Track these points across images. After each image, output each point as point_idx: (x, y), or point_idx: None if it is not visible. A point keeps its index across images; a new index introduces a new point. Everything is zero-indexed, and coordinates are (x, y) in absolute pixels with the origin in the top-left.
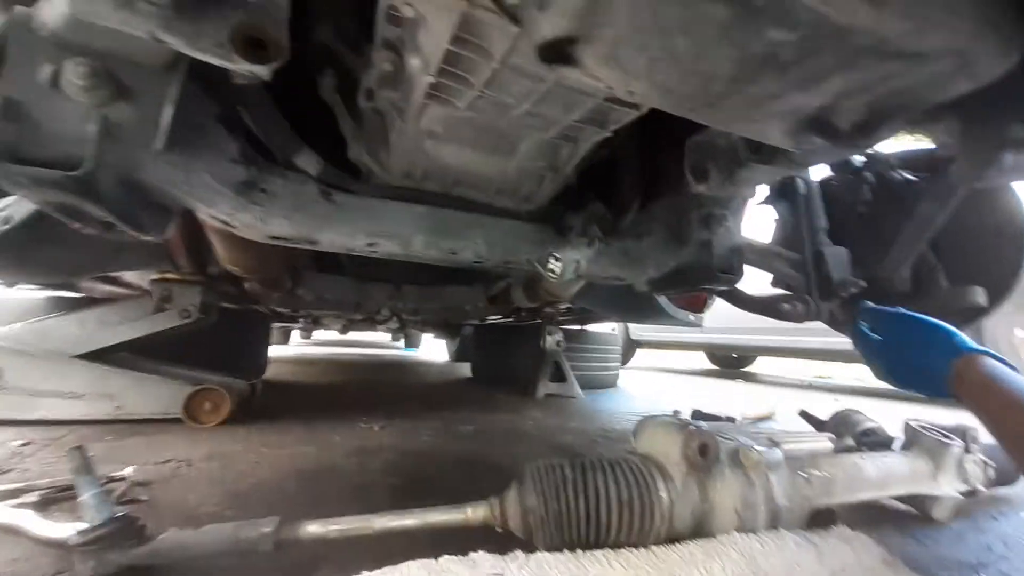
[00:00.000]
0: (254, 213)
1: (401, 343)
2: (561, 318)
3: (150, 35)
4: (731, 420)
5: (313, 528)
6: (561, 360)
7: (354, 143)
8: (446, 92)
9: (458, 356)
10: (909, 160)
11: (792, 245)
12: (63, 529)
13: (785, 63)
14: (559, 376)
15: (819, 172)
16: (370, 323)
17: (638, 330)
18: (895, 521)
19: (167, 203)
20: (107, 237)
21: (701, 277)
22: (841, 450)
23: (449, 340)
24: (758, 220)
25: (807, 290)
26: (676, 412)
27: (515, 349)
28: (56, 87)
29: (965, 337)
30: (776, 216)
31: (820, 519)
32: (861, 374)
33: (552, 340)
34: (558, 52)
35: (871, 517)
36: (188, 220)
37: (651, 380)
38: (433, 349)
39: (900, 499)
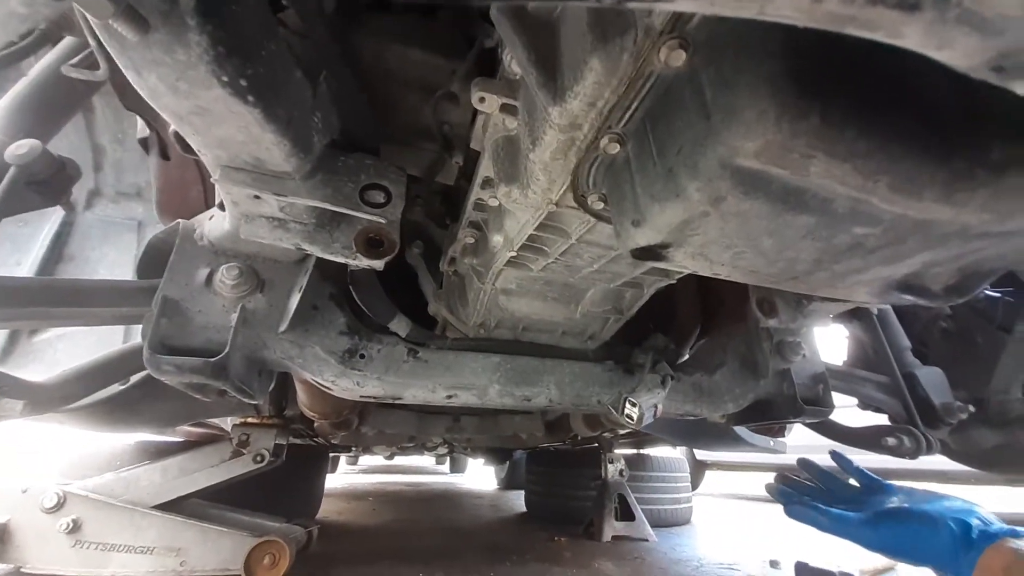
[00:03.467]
0: (352, 378)
1: (446, 467)
2: (620, 442)
3: (296, 246)
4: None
5: None
6: (627, 493)
7: (434, 300)
8: (523, 260)
9: (508, 483)
10: None
11: (872, 366)
12: None
13: (870, 248)
14: (626, 514)
15: None
16: (419, 449)
17: (704, 451)
18: None
19: (274, 371)
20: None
21: (785, 410)
22: None
23: (497, 466)
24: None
25: (908, 419)
26: (774, 564)
27: (572, 479)
28: (209, 286)
29: (989, 517)
30: (849, 336)
31: None
32: (993, 494)
33: (614, 470)
34: (648, 253)
35: None
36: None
37: (727, 511)
38: (479, 474)
39: None
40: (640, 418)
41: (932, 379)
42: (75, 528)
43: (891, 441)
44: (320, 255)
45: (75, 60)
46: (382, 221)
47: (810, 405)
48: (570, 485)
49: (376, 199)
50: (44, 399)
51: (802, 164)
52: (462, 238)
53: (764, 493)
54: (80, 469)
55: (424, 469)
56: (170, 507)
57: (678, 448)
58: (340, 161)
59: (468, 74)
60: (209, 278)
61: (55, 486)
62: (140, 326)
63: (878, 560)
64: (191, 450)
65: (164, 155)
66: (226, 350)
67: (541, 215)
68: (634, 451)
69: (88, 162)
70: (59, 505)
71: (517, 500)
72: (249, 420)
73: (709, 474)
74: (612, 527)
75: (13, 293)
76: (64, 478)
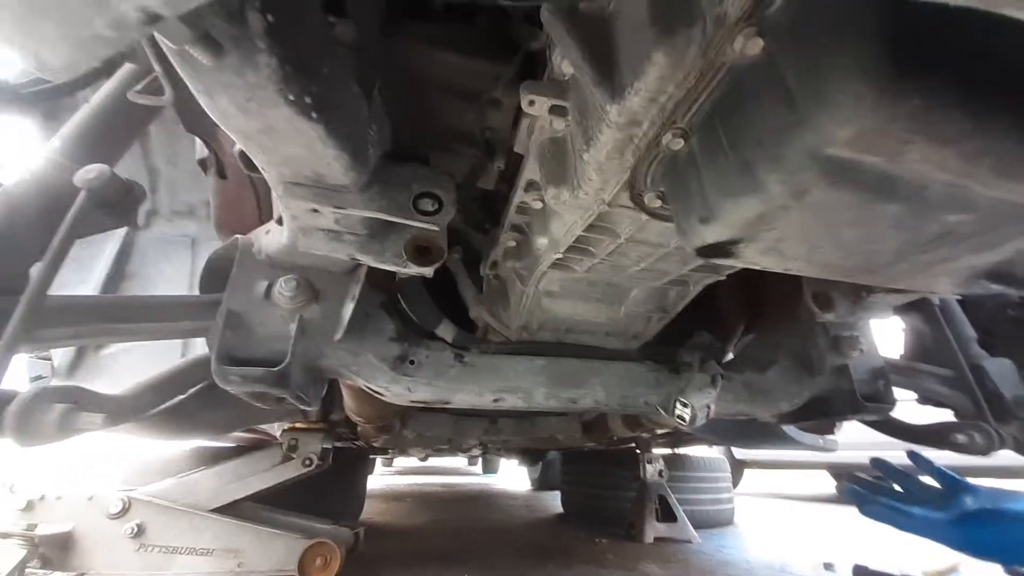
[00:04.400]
0: (404, 384)
1: (479, 468)
2: (658, 442)
3: (349, 256)
4: None
5: None
6: (667, 494)
7: (475, 305)
8: (569, 263)
9: (541, 484)
10: None
11: (932, 358)
12: None
13: (960, 236)
14: (668, 515)
15: None
16: (454, 451)
17: (743, 450)
18: None
19: (326, 379)
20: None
21: (843, 407)
22: None
23: (530, 466)
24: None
25: (977, 413)
26: (829, 566)
27: (609, 480)
28: (268, 298)
29: None
30: (906, 328)
31: None
32: None
33: (653, 470)
34: (716, 251)
35: None
36: None
37: (770, 511)
38: (512, 475)
39: None
40: (693, 419)
41: (1001, 370)
42: (139, 532)
43: (961, 438)
44: (372, 264)
45: (139, 87)
46: (435, 229)
47: (870, 401)
48: (608, 486)
49: (428, 207)
50: (121, 411)
51: (898, 150)
52: (504, 242)
53: (807, 492)
54: (140, 476)
55: (457, 470)
56: (227, 510)
57: (717, 447)
58: (393, 172)
59: (512, 78)
60: (268, 291)
61: (120, 492)
62: (196, 339)
63: (939, 561)
64: (244, 455)
65: (221, 174)
66: (287, 360)
67: (591, 216)
68: (671, 451)
69: (144, 183)
70: (124, 511)
71: (552, 501)
72: (297, 425)
73: (748, 473)
74: (654, 528)
75: (90, 311)
76: (125, 485)
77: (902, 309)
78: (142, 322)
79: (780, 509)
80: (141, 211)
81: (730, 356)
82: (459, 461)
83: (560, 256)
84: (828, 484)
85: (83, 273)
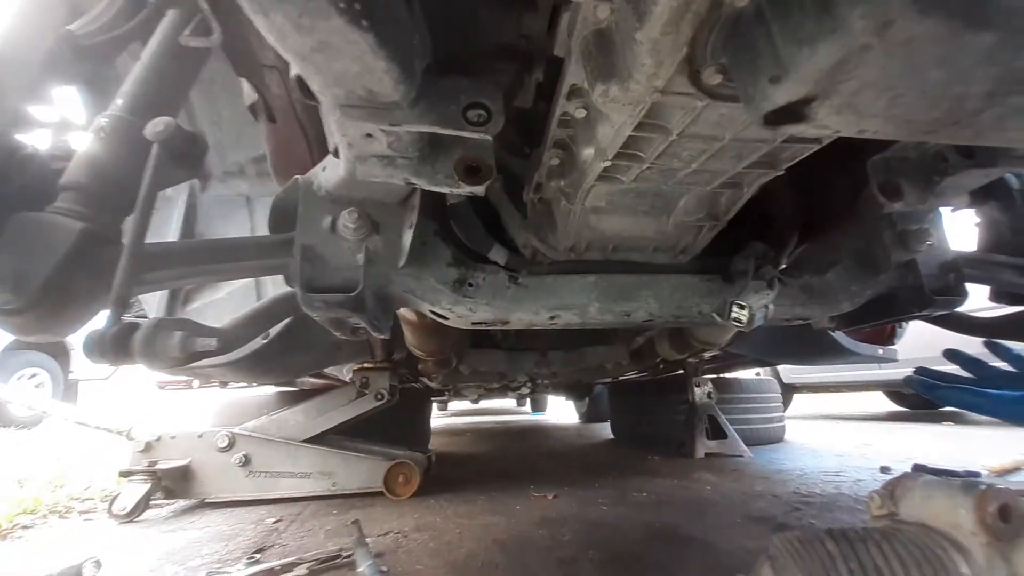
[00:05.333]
0: (465, 305)
1: (527, 408)
2: (705, 367)
3: (405, 181)
4: (974, 475)
5: None
6: (717, 414)
7: (520, 232)
8: (616, 172)
9: (589, 417)
10: None
11: (1011, 250)
12: None
13: None
14: (718, 432)
15: None
16: (503, 390)
17: (792, 373)
18: None
19: (395, 306)
20: (330, 336)
21: (912, 303)
22: None
23: (578, 402)
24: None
25: None
26: (885, 469)
27: (658, 406)
28: (334, 231)
29: None
30: (980, 220)
31: None
32: None
33: (701, 392)
34: (788, 114)
35: None
36: None
37: (824, 430)
38: (561, 412)
39: None
40: (751, 320)
41: None
42: (246, 462)
43: None
44: (426, 187)
45: (187, 30)
46: (488, 139)
47: (939, 295)
48: (657, 411)
49: (477, 118)
50: (226, 340)
51: None
52: (547, 160)
53: (860, 412)
54: (235, 417)
55: (507, 411)
56: (316, 441)
57: (764, 371)
58: (439, 85)
59: None
60: (333, 225)
61: (224, 429)
62: (269, 284)
63: (1003, 460)
64: (323, 394)
65: (271, 118)
66: (360, 286)
67: (642, 110)
68: (719, 376)
69: None
70: (230, 444)
71: (602, 430)
72: (366, 365)
73: (797, 398)
74: (705, 445)
75: (184, 254)
76: (218, 426)
77: (978, 199)
78: (228, 262)
79: (832, 428)
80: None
81: (784, 266)
82: (508, 403)
83: (609, 163)
84: (882, 403)
85: (156, 237)
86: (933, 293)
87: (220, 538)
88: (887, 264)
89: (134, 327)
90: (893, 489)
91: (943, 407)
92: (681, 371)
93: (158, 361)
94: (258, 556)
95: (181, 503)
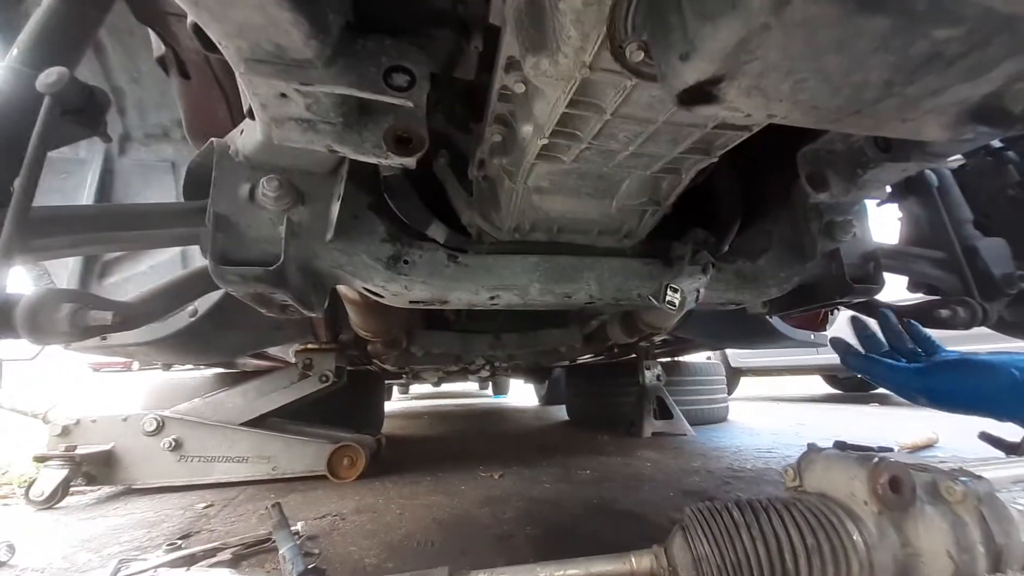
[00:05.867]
0: (400, 283)
1: (489, 391)
2: (656, 351)
3: (327, 148)
4: (887, 451)
5: None
6: (664, 395)
7: (465, 210)
8: (556, 150)
9: (548, 399)
10: None
11: (928, 243)
12: None
13: (949, 58)
14: (665, 413)
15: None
16: (463, 374)
17: (739, 357)
18: None
19: (328, 283)
20: (267, 318)
21: (833, 290)
22: None
23: (537, 384)
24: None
25: (965, 291)
26: (812, 446)
27: (610, 388)
28: (253, 200)
29: None
30: (902, 214)
31: None
32: None
33: (651, 375)
34: (698, 94)
35: None
36: (330, 296)
37: (764, 411)
38: (521, 395)
39: None
40: (682, 303)
41: (993, 250)
42: (177, 446)
43: (944, 313)
44: (352, 156)
45: None
46: (418, 107)
47: (858, 284)
48: (610, 394)
49: (400, 82)
50: (128, 315)
51: None
52: (489, 136)
53: (799, 394)
54: (161, 400)
55: (469, 394)
56: (255, 424)
57: (714, 355)
58: (359, 44)
59: None
60: (252, 193)
61: (152, 413)
62: (197, 257)
63: (917, 437)
64: (263, 376)
65: (184, 74)
66: (281, 259)
67: (573, 86)
68: (671, 360)
69: (112, 106)
70: (159, 428)
71: (559, 413)
72: (309, 346)
73: (744, 381)
74: (652, 425)
75: (79, 219)
76: (149, 409)
77: (899, 194)
78: (134, 230)
79: (773, 409)
80: (113, 131)
81: (725, 251)
82: (471, 386)
83: (546, 142)
84: (819, 386)
85: (71, 202)
86: (853, 281)
87: (143, 525)
88: (814, 253)
89: (16, 300)
90: (802, 463)
91: (866, 382)
92: (634, 355)
93: (45, 335)
94: (181, 542)
95: (106, 490)
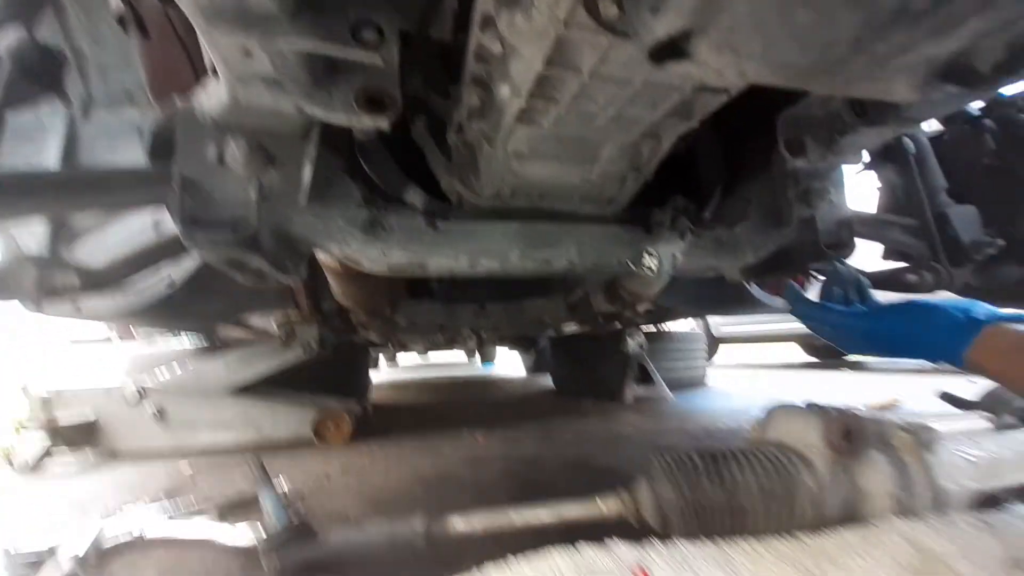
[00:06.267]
0: (377, 248)
1: (477, 360)
2: (640, 320)
3: (296, 108)
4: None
5: (459, 523)
6: (646, 362)
7: (445, 175)
8: (534, 113)
9: (535, 368)
10: None
11: (903, 211)
12: (245, 536)
13: (915, 14)
14: (646, 379)
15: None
16: (450, 343)
17: (719, 326)
18: None
19: (304, 248)
20: (245, 286)
21: (807, 255)
22: (1004, 428)
23: (524, 354)
24: (860, 190)
25: (933, 257)
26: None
27: (595, 357)
28: (222, 163)
29: (984, 306)
30: (880, 183)
31: (990, 505)
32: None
33: (634, 343)
34: (669, 50)
35: None
36: (308, 265)
37: (742, 377)
38: (509, 364)
39: None
40: (659, 268)
41: (964, 217)
42: (161, 414)
43: (911, 277)
44: (322, 116)
45: None
46: (380, 64)
47: (831, 249)
48: (594, 362)
49: (369, 38)
50: (95, 278)
51: None
52: (467, 99)
53: (777, 361)
54: (141, 371)
55: (456, 365)
56: (239, 392)
57: (695, 324)
58: None
59: None
60: (219, 155)
61: (134, 383)
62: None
63: (881, 397)
64: (245, 346)
65: (144, 31)
66: (254, 223)
67: (549, 44)
68: (654, 328)
69: (72, 69)
70: (141, 398)
71: (546, 381)
72: (291, 316)
73: (723, 348)
74: (633, 390)
75: (42, 181)
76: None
77: (878, 162)
78: (99, 193)
79: (751, 375)
80: (76, 95)
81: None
82: (459, 357)
83: (524, 104)
84: (797, 354)
85: (34, 167)
86: (826, 247)
87: (128, 486)
88: (790, 219)
89: None
90: (765, 417)
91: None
92: (618, 325)
93: (8, 294)
94: (165, 500)
95: (91, 457)
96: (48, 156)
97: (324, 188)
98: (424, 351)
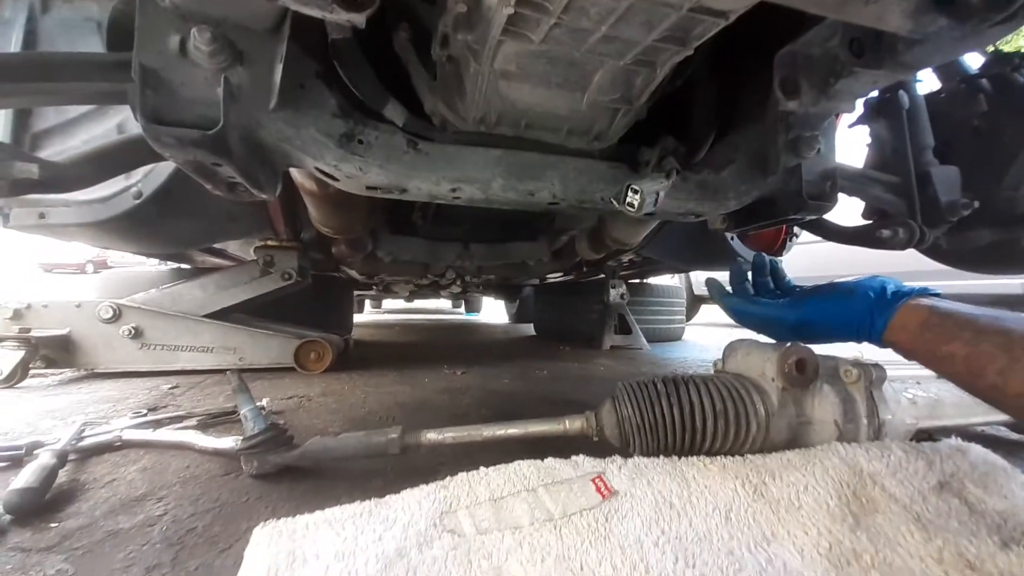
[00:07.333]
0: (354, 163)
1: (462, 309)
2: (623, 272)
3: None
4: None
5: (431, 435)
6: (626, 312)
7: (428, 95)
8: (522, 24)
9: (518, 318)
10: None
11: (890, 168)
12: (225, 441)
13: None
14: (624, 328)
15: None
16: (435, 288)
17: (701, 285)
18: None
19: (278, 163)
20: (221, 204)
21: (788, 206)
22: None
23: (508, 303)
24: (850, 145)
25: (910, 214)
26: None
27: (577, 306)
28: (184, 55)
29: (899, 283)
30: (870, 139)
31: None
32: None
33: (616, 293)
34: None
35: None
36: (286, 189)
37: (719, 334)
38: (493, 313)
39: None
40: (641, 205)
41: (945, 177)
42: (137, 334)
43: (885, 233)
44: (292, 6)
45: None
46: None
47: (813, 200)
48: (575, 310)
49: None
50: (56, 175)
51: None
52: (453, 6)
53: None
54: (114, 292)
55: (442, 311)
56: (218, 317)
57: (677, 279)
58: None
59: None
60: (182, 46)
61: (108, 300)
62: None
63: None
64: (224, 271)
65: None
66: (221, 123)
67: None
68: (636, 280)
69: None
70: (116, 316)
71: (527, 329)
72: (269, 243)
73: (704, 308)
74: (611, 339)
75: None
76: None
77: (870, 115)
78: (47, 81)
79: (730, 333)
80: None
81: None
82: (444, 304)
83: (512, 12)
84: None
85: None
86: (809, 198)
87: (108, 400)
88: (776, 167)
89: None
90: (726, 350)
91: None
92: (602, 275)
93: None
94: (147, 413)
95: (68, 373)
96: (8, 50)
97: (297, 93)
98: (408, 294)
